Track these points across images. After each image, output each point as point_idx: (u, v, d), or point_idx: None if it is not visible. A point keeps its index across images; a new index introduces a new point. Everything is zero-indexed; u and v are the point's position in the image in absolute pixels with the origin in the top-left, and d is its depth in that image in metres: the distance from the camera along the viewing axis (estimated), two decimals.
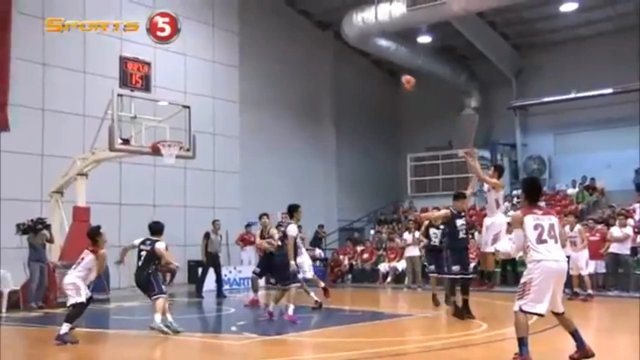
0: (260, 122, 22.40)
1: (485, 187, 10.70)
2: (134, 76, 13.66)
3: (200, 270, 16.06)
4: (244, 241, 17.91)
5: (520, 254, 6.78)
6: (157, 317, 8.96)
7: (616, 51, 21.48)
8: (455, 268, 10.21)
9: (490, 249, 10.16)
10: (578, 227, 13.36)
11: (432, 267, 12.28)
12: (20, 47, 16.38)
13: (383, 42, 22.19)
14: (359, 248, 21.14)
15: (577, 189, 21.43)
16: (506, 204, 21.20)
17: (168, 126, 13.92)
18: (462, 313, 10.01)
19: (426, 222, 12.73)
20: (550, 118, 24.11)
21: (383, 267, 19.37)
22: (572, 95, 22.52)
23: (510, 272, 16.90)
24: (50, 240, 13.67)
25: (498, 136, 25.46)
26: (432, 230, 12.41)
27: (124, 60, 13.72)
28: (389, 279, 18.95)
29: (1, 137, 16.29)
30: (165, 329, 8.91)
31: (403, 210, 24.89)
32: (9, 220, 13.99)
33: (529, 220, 6.36)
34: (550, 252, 6.24)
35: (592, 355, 6.26)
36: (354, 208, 25.28)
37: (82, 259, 9.13)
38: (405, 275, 18.15)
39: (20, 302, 12.84)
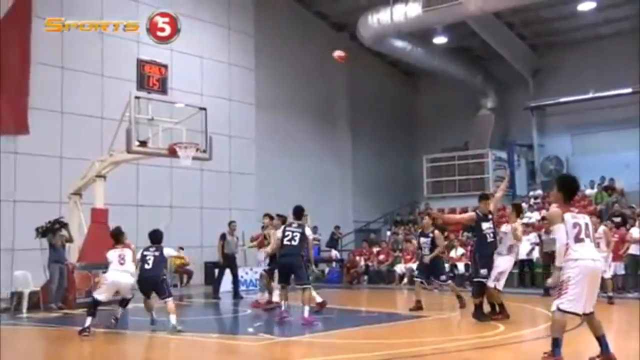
0: (276, 124, 22.46)
1: (504, 228, 10.37)
2: (151, 79, 13.76)
3: (216, 271, 16.13)
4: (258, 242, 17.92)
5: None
6: (173, 318, 9.34)
7: (635, 50, 21.24)
8: (483, 272, 9.99)
9: (491, 284, 9.99)
10: (603, 228, 13.02)
11: (417, 272, 12.23)
12: (39, 51, 16.61)
13: (398, 43, 22.15)
14: (375, 249, 21.12)
15: (595, 190, 21.22)
16: (523, 204, 21.10)
17: (185, 128, 13.99)
18: (485, 314, 9.93)
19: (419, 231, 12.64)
20: (567, 118, 23.91)
21: (399, 268, 19.34)
22: (590, 95, 22.34)
23: (527, 273, 16.79)
24: (70, 240, 13.80)
25: (515, 137, 25.29)
26: (422, 240, 12.33)
27: (141, 63, 13.82)
28: (405, 280, 18.90)
29: (21, 140, 16.55)
30: (180, 328, 9.22)
31: (419, 211, 24.80)
32: (28, 222, 14.14)
33: (568, 218, 6.22)
34: (587, 251, 6.15)
35: None
36: (370, 209, 25.24)
37: (124, 255, 9.70)
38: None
39: (41, 303, 12.98)
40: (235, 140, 20.93)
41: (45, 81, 16.84)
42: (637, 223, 14.93)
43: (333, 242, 22.66)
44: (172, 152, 13.57)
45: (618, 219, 15.98)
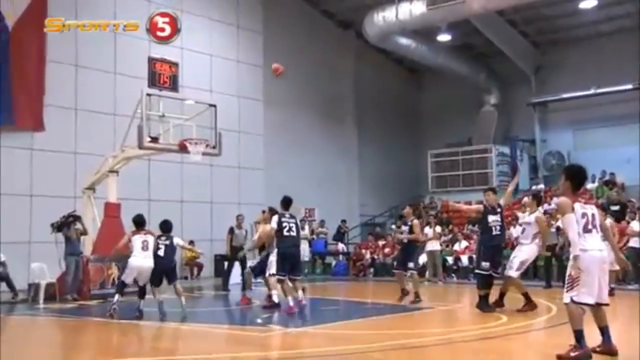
0: (284, 120, 22.47)
1: (527, 218, 10.26)
2: (162, 76, 13.76)
3: (226, 264, 16.16)
4: None
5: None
6: (183, 299, 10.19)
7: (635, 47, 21.11)
8: (485, 265, 9.90)
9: (514, 274, 9.86)
10: (609, 220, 12.91)
11: (395, 263, 12.13)
12: (54, 50, 16.67)
13: (403, 41, 22.11)
14: (381, 242, 21.11)
15: (596, 184, 21.15)
16: (525, 199, 21.02)
17: (195, 124, 14.01)
18: (489, 305, 9.87)
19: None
20: (569, 114, 23.81)
21: None
22: (591, 92, 22.24)
23: (530, 265, 16.73)
24: (84, 232, 13.87)
25: (517, 132, 25.21)
26: (403, 228, 12.06)
27: (152, 61, 13.82)
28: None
29: (37, 137, 16.64)
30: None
31: (424, 205, 24.78)
32: (44, 215, 14.24)
33: (577, 208, 6.14)
34: (595, 242, 6.10)
35: (616, 354, 6.13)
36: (376, 204, 25.23)
37: (147, 242, 10.04)
38: (426, 268, 18.08)
39: (57, 294, 13.05)
40: (244, 136, 20.95)
41: (59, 79, 16.91)
42: (637, 216, 14.86)
43: (340, 236, 22.67)
44: (183, 148, 13.59)
45: (616, 207, 16.01)
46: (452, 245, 18.90)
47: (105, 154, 14.84)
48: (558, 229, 15.98)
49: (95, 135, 17.02)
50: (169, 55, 14.68)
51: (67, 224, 13.40)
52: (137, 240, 10.09)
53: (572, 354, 6.02)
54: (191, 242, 18.73)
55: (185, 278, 18.06)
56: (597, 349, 6.20)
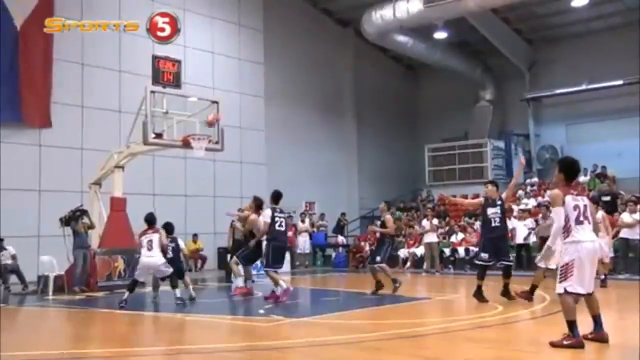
0: (285, 116, 22.47)
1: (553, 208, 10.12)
2: (166, 74, 13.74)
3: (229, 256, 16.15)
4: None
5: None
6: (191, 289, 10.83)
7: (626, 44, 21.14)
8: (484, 256, 9.89)
9: (543, 265, 9.62)
10: (601, 213, 12.90)
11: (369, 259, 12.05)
12: (60, 48, 16.66)
13: (401, 38, 22.10)
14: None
15: (588, 177, 21.18)
16: (520, 192, 21.12)
17: (198, 120, 14.01)
18: (483, 296, 9.88)
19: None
20: (562, 109, 23.85)
21: (402, 252, 19.37)
22: (584, 87, 22.28)
23: (524, 256, 16.80)
24: (92, 226, 13.89)
25: (512, 127, 25.24)
26: (377, 222, 12.08)
27: (156, 59, 13.80)
28: (408, 264, 18.95)
29: (45, 133, 16.65)
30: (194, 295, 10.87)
31: (421, 198, 24.82)
32: (52, 210, 14.27)
33: (569, 200, 6.13)
34: (587, 234, 6.10)
35: (607, 341, 6.15)
36: (375, 197, 25.20)
37: (151, 241, 10.41)
38: (423, 260, 18.14)
39: (65, 286, 13.09)
40: (246, 131, 20.95)
41: (66, 77, 16.93)
42: (627, 208, 14.89)
43: (339, 229, 22.71)
44: (186, 144, 13.59)
45: (607, 198, 16.09)
46: (449, 237, 18.94)
47: (111, 150, 14.86)
48: (536, 222, 16.09)
49: (101, 132, 17.04)
50: (172, 53, 14.68)
51: (74, 218, 13.42)
52: (143, 240, 10.49)
53: (565, 342, 6.05)
54: (195, 236, 18.88)
55: (190, 270, 18.09)
56: (589, 336, 6.22)
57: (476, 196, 23.13)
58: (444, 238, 18.82)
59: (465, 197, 23.47)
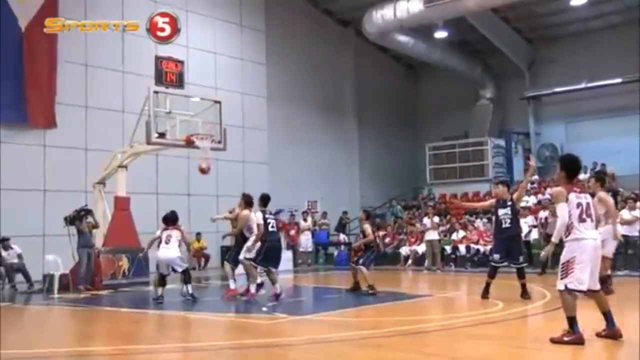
0: (287, 116, 22.45)
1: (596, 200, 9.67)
2: (169, 74, 13.73)
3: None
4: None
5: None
6: (190, 287, 10.71)
7: (625, 42, 21.11)
8: (495, 256, 9.90)
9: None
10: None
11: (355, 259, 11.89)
12: (64, 50, 16.66)
13: (401, 38, 22.07)
14: (381, 233, 21.06)
15: (588, 175, 21.10)
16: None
17: (200, 120, 13.99)
18: (486, 293, 9.83)
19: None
20: (561, 107, 23.81)
21: (404, 250, 19.34)
22: (583, 85, 22.23)
23: (525, 253, 16.71)
24: (96, 226, 13.88)
25: (512, 125, 25.20)
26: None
27: (159, 60, 13.80)
28: (409, 261, 18.92)
29: (49, 134, 16.65)
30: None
31: (422, 196, 24.79)
32: (57, 209, 14.24)
33: (572, 197, 6.10)
34: (589, 231, 6.07)
35: (621, 336, 6.11)
36: (376, 195, 25.25)
37: (170, 236, 10.61)
38: (425, 258, 18.10)
39: (70, 285, 13.08)
40: (248, 131, 20.94)
41: (70, 78, 16.92)
42: (627, 205, 14.85)
43: (341, 227, 22.65)
44: (189, 143, 13.58)
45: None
46: (450, 235, 18.90)
47: (115, 150, 14.85)
48: (546, 219, 16.03)
49: (104, 132, 17.03)
50: (175, 54, 14.67)
51: (79, 218, 13.41)
52: (162, 234, 10.72)
53: (566, 339, 6.03)
54: (198, 234, 18.87)
55: (194, 269, 18.07)
56: (602, 334, 6.19)
57: (476, 194, 23.40)
58: (445, 236, 18.78)
59: (466, 194, 23.63)
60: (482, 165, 24.03)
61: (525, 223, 16.62)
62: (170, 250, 10.56)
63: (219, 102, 14.39)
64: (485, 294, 9.83)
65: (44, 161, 16.46)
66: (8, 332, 8.06)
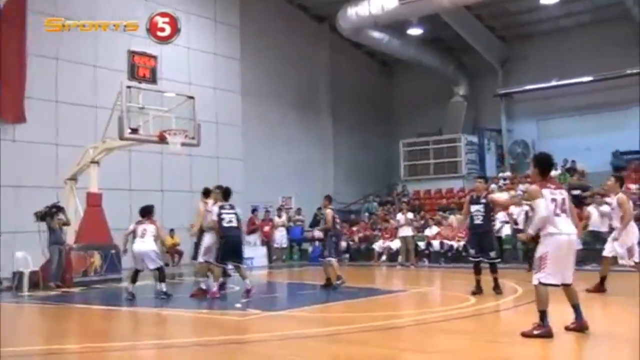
0: (261, 112, 22.37)
1: (612, 200, 9.84)
2: (142, 69, 13.60)
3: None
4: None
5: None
6: (164, 285, 10.54)
7: (595, 41, 21.45)
8: (471, 251, 10.15)
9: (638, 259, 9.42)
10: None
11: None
12: (34, 43, 16.33)
13: (376, 34, 22.11)
14: (355, 228, 21.17)
15: (559, 171, 21.43)
16: (493, 185, 21.30)
17: (174, 116, 13.87)
18: (478, 289, 9.91)
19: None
20: (533, 105, 24.10)
21: (377, 246, 19.44)
22: (554, 83, 22.52)
23: (497, 249, 16.92)
24: (67, 223, 13.70)
25: (485, 122, 25.45)
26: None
27: (132, 54, 13.65)
28: (383, 257, 19.02)
29: (19, 129, 16.33)
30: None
31: (396, 193, 24.92)
32: (28, 206, 14.02)
33: (547, 193, 6.25)
34: (564, 226, 6.20)
35: (587, 328, 6.27)
36: (350, 192, 25.29)
37: (145, 230, 10.55)
38: (398, 253, 18.21)
39: (40, 282, 12.88)
40: (222, 127, 20.79)
41: (41, 72, 16.60)
42: (595, 202, 15.12)
43: (315, 223, 22.61)
44: (162, 139, 13.46)
45: (577, 192, 16.30)
46: (424, 231, 19.04)
47: (87, 145, 14.64)
48: (527, 214, 16.22)
49: (76, 127, 16.76)
50: (148, 49, 14.50)
51: (50, 214, 13.22)
52: (137, 228, 10.66)
53: (536, 332, 6.14)
54: (172, 231, 18.72)
55: (167, 265, 17.92)
56: (571, 326, 6.33)
57: (449, 190, 23.62)
58: (419, 231, 18.91)
59: (439, 190, 23.86)
60: (456, 161, 24.25)
61: (497, 219, 16.80)
62: (145, 244, 10.53)
63: (192, 98, 14.28)
64: (477, 289, 9.90)
65: (14, 157, 16.13)
66: None
